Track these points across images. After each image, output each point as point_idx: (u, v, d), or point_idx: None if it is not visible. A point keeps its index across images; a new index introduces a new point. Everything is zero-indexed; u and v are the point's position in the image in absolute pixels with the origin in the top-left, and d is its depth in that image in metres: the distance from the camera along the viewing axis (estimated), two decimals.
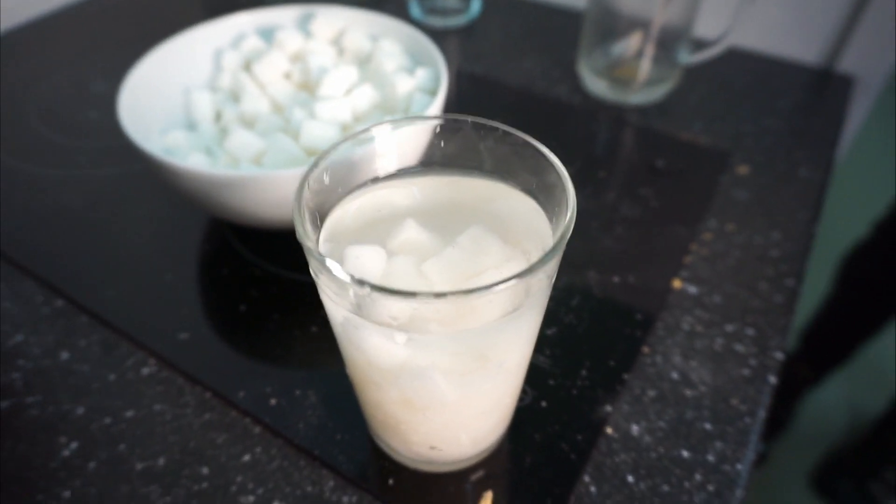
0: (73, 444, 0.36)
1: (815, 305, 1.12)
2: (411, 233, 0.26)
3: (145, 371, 0.40)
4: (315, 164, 0.25)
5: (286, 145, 0.41)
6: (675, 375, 0.39)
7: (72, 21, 0.78)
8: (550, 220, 0.26)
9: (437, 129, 0.27)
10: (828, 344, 1.14)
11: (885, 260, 0.98)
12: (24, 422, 0.37)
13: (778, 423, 1.19)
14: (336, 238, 0.26)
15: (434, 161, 0.29)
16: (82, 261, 0.47)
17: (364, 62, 0.50)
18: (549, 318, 0.42)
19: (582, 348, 0.40)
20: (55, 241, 0.48)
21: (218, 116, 0.47)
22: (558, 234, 0.22)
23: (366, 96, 0.45)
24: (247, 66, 0.50)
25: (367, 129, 0.26)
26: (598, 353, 0.40)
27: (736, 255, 0.47)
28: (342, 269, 0.21)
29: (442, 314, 0.21)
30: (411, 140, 0.28)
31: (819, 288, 1.10)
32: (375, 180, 0.28)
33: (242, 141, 0.41)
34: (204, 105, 0.46)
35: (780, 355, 0.40)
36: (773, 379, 0.39)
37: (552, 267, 0.23)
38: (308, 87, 0.48)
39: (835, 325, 1.12)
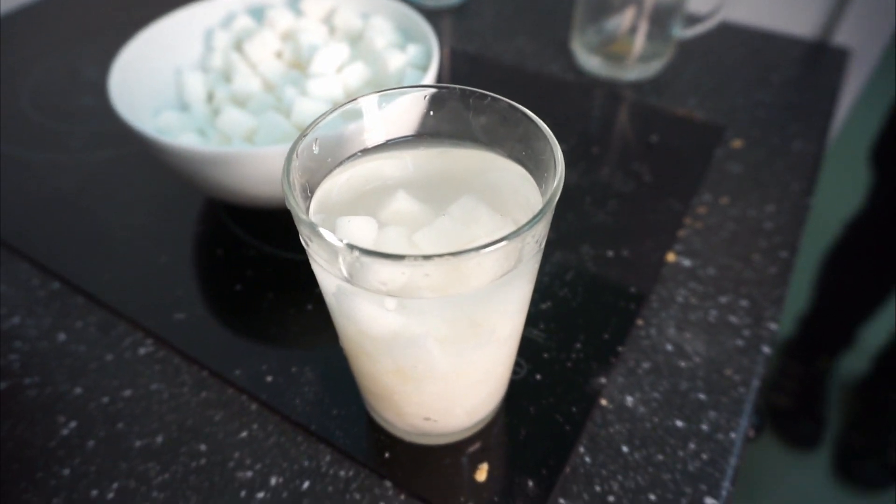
0: (72, 424, 0.37)
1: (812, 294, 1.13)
2: (402, 203, 0.26)
3: (142, 351, 0.40)
4: (304, 134, 0.25)
5: (278, 123, 0.40)
6: (669, 347, 0.40)
7: (63, 6, 0.78)
8: (540, 186, 0.26)
9: (426, 99, 0.27)
10: (826, 332, 1.16)
11: (860, 262, 0.99)
12: (23, 403, 0.38)
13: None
14: (327, 209, 0.26)
15: (424, 132, 0.29)
16: (78, 243, 0.47)
17: (355, 40, 0.49)
18: (544, 293, 0.42)
19: (576, 322, 0.41)
20: (50, 225, 0.48)
21: (210, 96, 0.47)
22: (547, 196, 0.22)
23: (357, 73, 0.45)
24: (238, 46, 0.49)
25: (355, 100, 0.26)
26: (592, 327, 0.40)
27: (730, 228, 0.47)
28: (333, 234, 0.21)
29: (432, 279, 0.21)
30: (400, 110, 0.28)
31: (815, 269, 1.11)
32: (365, 151, 0.28)
33: (234, 119, 0.41)
34: (195, 85, 0.46)
35: (773, 326, 0.41)
36: (766, 349, 0.39)
37: (540, 231, 0.23)
38: (299, 66, 0.47)
39: (827, 319, 1.13)
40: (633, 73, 0.62)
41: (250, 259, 0.45)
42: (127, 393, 0.38)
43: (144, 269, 0.45)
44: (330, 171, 0.27)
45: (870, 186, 0.94)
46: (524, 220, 0.25)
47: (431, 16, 0.73)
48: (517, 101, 0.26)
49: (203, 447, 0.35)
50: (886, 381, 1.12)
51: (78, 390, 0.38)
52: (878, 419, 1.12)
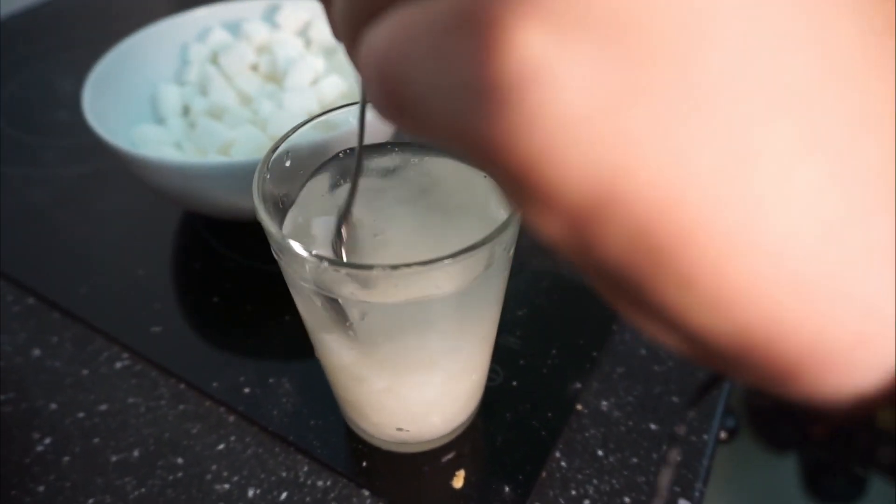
0: (47, 440, 0.36)
1: None
2: (376, 205, 0.26)
3: (119, 365, 0.40)
4: (274, 148, 0.25)
5: (254, 136, 0.41)
6: (643, 352, 0.40)
7: (38, 20, 0.78)
8: None
9: None
10: None
11: None
12: None
13: None
14: (303, 214, 0.26)
15: (397, 141, 0.29)
16: (53, 259, 0.47)
17: (331, 53, 0.50)
18: (520, 300, 0.43)
19: (552, 328, 0.41)
20: (25, 240, 0.48)
21: (186, 110, 0.47)
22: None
23: (333, 86, 0.45)
24: (214, 59, 0.50)
25: (325, 112, 0.27)
26: (568, 333, 0.41)
27: None
28: (301, 245, 0.21)
29: (401, 287, 0.22)
30: (372, 122, 0.28)
31: None
32: (338, 160, 0.29)
33: (210, 132, 0.41)
34: (171, 99, 0.46)
35: None
36: None
37: (507, 240, 0.23)
38: (275, 79, 0.48)
39: None
40: None
41: (228, 271, 0.45)
42: (103, 407, 0.38)
43: (121, 284, 0.45)
44: (304, 182, 0.28)
45: None
46: (495, 225, 0.26)
47: None
48: None
49: (180, 460, 0.35)
50: None
51: (53, 406, 0.38)
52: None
